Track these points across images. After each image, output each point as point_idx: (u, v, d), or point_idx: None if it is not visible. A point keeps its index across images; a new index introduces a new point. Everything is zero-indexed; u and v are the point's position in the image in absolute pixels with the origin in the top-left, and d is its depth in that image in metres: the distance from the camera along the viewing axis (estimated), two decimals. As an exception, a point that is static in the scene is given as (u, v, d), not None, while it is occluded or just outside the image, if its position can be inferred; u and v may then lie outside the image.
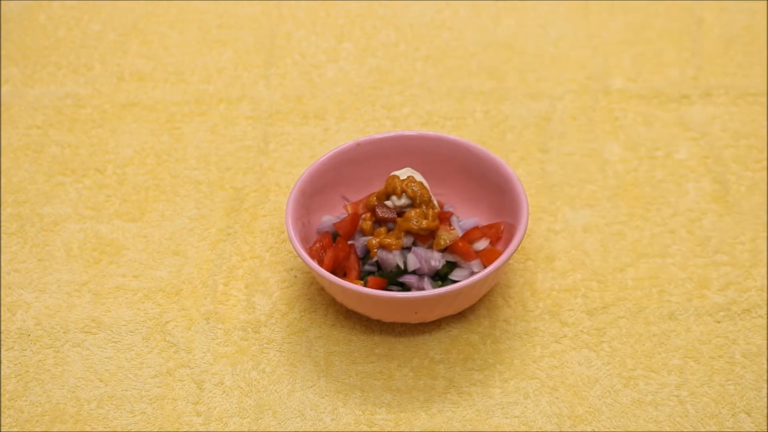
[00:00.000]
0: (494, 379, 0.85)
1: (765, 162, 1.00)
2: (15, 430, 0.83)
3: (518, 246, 0.84)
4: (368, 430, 0.82)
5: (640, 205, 0.97)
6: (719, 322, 0.88)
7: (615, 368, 0.85)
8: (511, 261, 0.92)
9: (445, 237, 0.86)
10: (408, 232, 0.87)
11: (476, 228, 0.90)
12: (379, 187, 0.91)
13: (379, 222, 0.88)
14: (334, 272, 0.87)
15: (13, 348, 0.88)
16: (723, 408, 0.82)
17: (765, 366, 0.84)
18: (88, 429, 0.83)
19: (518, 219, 0.87)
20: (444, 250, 0.87)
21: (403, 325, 0.89)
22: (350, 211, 0.90)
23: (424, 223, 0.86)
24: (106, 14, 1.20)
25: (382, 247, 0.87)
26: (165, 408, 0.84)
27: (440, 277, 0.87)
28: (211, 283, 0.92)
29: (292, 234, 0.86)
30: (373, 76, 1.11)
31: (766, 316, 0.88)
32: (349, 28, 1.17)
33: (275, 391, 0.85)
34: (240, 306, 0.91)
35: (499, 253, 0.85)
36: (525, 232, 0.85)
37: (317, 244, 0.88)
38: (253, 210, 0.98)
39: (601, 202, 0.97)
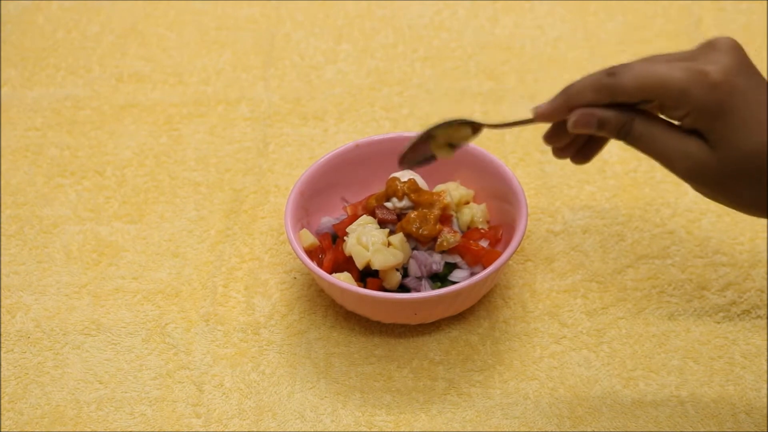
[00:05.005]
0: (494, 380, 0.85)
1: (764, 162, 1.00)
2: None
3: (517, 247, 0.84)
4: (368, 431, 0.82)
5: (639, 206, 0.97)
6: (719, 322, 0.88)
7: (615, 369, 0.85)
8: (510, 262, 0.92)
9: (448, 239, 0.86)
10: (409, 236, 0.87)
11: (476, 229, 0.90)
12: (378, 188, 0.91)
13: (379, 224, 0.88)
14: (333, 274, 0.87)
15: (12, 350, 0.88)
16: (723, 408, 0.82)
17: (764, 366, 0.84)
18: (88, 431, 0.83)
19: (517, 220, 0.87)
20: (444, 251, 0.87)
21: (402, 326, 0.89)
22: (350, 212, 0.90)
23: (426, 230, 0.86)
24: (105, 16, 1.20)
25: (382, 248, 0.87)
26: (165, 410, 0.84)
27: (439, 278, 0.87)
28: (210, 284, 0.92)
29: (292, 235, 0.86)
30: (372, 77, 1.11)
31: (765, 317, 0.88)
32: (347, 30, 1.17)
33: (275, 392, 0.85)
34: (239, 308, 0.90)
35: (499, 254, 0.85)
36: (524, 233, 0.85)
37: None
38: (253, 211, 0.98)
39: (600, 203, 0.97)
